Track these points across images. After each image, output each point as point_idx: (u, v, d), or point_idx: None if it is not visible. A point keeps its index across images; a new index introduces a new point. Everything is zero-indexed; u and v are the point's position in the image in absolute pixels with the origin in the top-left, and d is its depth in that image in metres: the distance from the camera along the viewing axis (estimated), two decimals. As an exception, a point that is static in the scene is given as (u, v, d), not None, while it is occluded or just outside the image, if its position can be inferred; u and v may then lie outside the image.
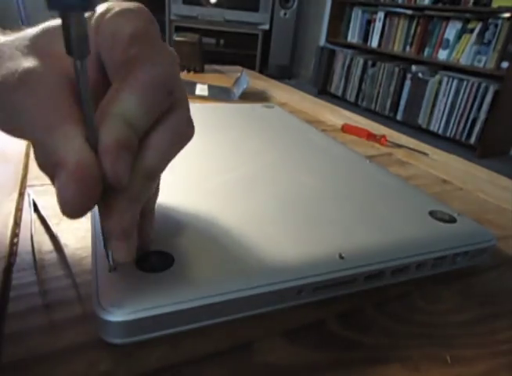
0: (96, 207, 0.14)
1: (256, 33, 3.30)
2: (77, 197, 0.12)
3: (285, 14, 3.33)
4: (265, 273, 0.17)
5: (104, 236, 0.15)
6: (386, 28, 2.91)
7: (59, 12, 0.11)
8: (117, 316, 0.14)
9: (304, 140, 0.37)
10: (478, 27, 2.33)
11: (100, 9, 0.17)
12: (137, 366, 0.15)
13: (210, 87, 0.63)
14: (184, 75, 0.74)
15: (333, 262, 0.19)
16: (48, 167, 0.14)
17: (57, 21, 0.16)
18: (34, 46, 0.16)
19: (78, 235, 0.22)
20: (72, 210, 0.13)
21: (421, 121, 2.62)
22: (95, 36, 0.16)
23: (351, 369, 0.16)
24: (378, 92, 2.91)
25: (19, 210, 0.24)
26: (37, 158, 0.14)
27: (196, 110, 0.42)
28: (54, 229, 0.22)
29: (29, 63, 0.15)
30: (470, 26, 2.40)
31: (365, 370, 0.16)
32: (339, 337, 0.18)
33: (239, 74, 0.65)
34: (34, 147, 0.14)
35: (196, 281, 0.16)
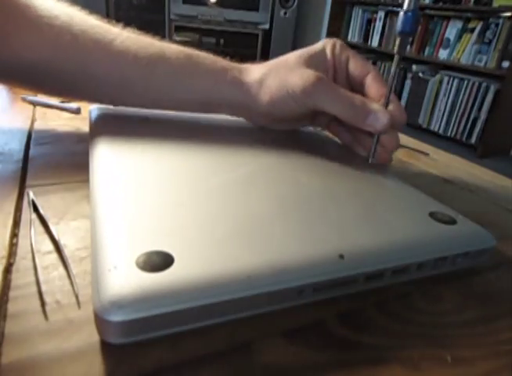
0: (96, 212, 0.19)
1: (256, 32, 3.29)
2: (388, 124, 0.29)
3: (285, 13, 3.33)
4: (265, 273, 0.17)
5: (375, 145, 0.31)
6: (386, 27, 2.90)
7: (401, 35, 0.28)
8: (117, 315, 0.14)
9: (304, 140, 0.37)
10: (479, 26, 2.33)
11: (328, 43, 0.34)
12: (137, 366, 0.15)
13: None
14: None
15: (334, 262, 0.19)
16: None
17: (308, 52, 0.33)
18: (305, 64, 0.32)
19: (78, 235, 0.22)
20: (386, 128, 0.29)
21: (422, 120, 2.62)
22: (332, 58, 0.33)
23: (351, 369, 0.16)
24: (378, 92, 2.91)
25: (18, 210, 0.24)
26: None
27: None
28: (53, 229, 0.22)
29: (312, 72, 0.30)
30: (470, 25, 2.40)
31: (365, 370, 0.16)
32: (339, 337, 0.18)
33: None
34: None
35: (196, 281, 0.16)
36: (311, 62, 0.32)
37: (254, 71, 0.33)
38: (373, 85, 0.31)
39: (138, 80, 0.32)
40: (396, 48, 0.29)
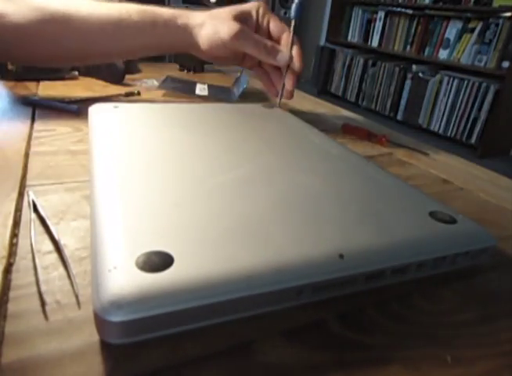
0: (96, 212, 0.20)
1: (256, 32, 3.29)
2: (290, 59, 0.45)
3: (285, 13, 3.33)
4: (265, 273, 0.17)
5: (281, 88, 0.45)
6: (386, 28, 2.91)
7: (295, 19, 0.46)
8: (116, 316, 0.14)
9: (304, 140, 0.37)
10: (479, 26, 2.33)
11: (254, 6, 0.46)
12: (137, 367, 0.15)
13: (210, 87, 0.62)
14: (184, 75, 0.74)
15: (334, 262, 0.19)
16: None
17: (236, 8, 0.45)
18: (234, 18, 0.44)
19: (78, 235, 0.22)
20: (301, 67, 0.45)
21: (422, 120, 2.62)
22: (256, 17, 0.46)
23: (351, 369, 0.16)
24: (378, 92, 2.91)
25: (18, 210, 0.24)
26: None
27: (196, 109, 0.42)
28: (53, 229, 0.22)
29: (238, 24, 0.43)
30: (470, 25, 2.40)
31: (366, 370, 0.16)
32: (339, 337, 0.18)
33: (238, 74, 0.65)
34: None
35: (196, 281, 0.16)
36: (240, 17, 0.44)
37: (197, 17, 0.45)
38: (286, 42, 0.45)
39: (113, 32, 0.43)
40: (292, 29, 0.44)
